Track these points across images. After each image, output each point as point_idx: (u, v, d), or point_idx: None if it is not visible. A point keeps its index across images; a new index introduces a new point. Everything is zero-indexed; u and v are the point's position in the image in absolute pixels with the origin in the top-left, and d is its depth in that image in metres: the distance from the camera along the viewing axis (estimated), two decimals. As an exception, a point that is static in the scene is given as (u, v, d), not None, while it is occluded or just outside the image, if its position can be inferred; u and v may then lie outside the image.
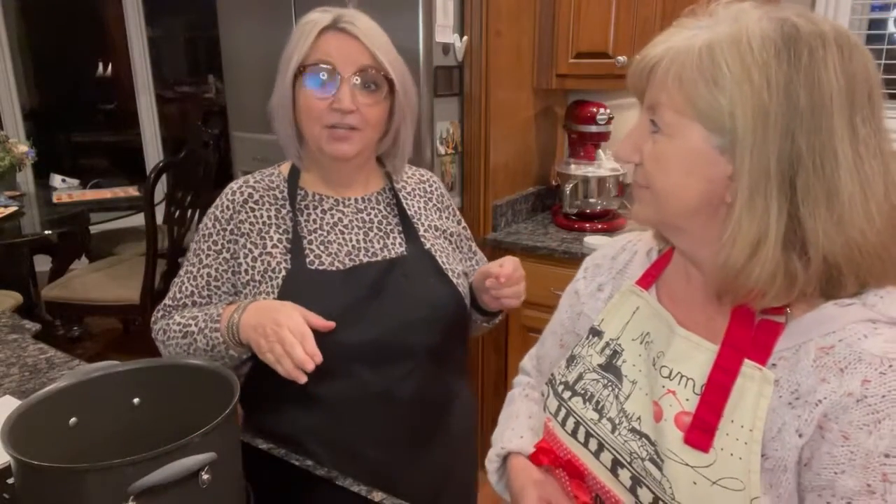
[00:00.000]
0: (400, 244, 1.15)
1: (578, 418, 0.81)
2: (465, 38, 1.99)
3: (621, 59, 2.05)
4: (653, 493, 0.70)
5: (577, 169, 2.25)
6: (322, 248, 1.10)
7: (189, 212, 2.90)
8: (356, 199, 1.17)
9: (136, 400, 0.85)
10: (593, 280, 0.93)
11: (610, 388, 0.79)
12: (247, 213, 1.11)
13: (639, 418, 0.75)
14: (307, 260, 1.08)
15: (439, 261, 1.15)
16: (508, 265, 1.06)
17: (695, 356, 0.72)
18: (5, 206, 2.91)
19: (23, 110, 4.38)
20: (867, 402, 0.61)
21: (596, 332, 0.86)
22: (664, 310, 0.79)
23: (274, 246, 1.09)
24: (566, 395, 0.84)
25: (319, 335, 0.97)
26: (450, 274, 1.14)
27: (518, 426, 0.95)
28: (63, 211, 3.02)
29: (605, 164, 2.24)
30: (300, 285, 1.05)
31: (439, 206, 1.25)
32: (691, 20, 0.69)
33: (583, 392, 0.82)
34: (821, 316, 0.67)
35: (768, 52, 0.62)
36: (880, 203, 0.63)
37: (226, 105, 2.40)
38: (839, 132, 0.62)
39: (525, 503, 0.84)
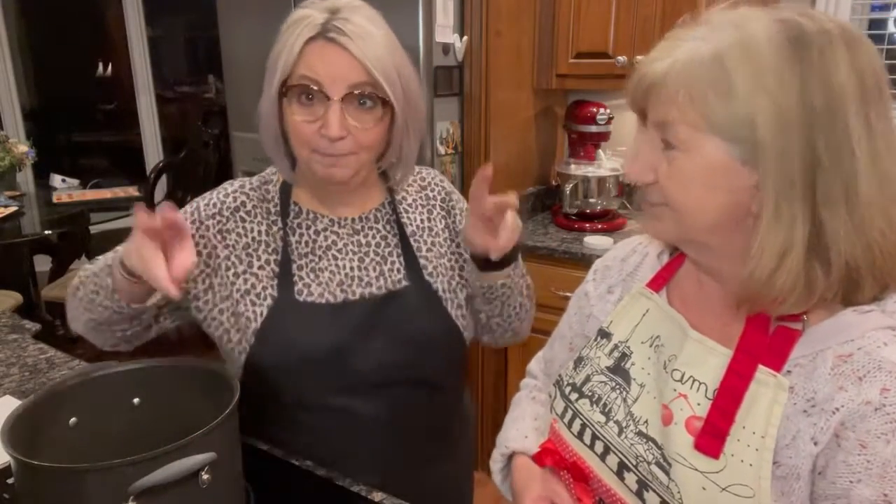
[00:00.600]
0: (398, 270, 1.06)
1: (585, 420, 0.80)
2: (465, 38, 1.99)
3: (621, 59, 2.05)
4: (660, 497, 0.70)
5: (577, 169, 2.25)
6: (312, 275, 1.02)
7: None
8: (353, 220, 1.07)
9: (136, 400, 0.85)
10: (603, 282, 0.93)
11: (618, 391, 0.79)
12: (236, 222, 1.03)
13: (646, 422, 0.74)
14: (295, 289, 1.00)
15: (439, 291, 1.06)
16: (495, 199, 0.94)
17: (708, 360, 0.72)
18: (5, 206, 2.91)
19: (23, 110, 4.38)
20: (886, 411, 0.60)
21: (604, 334, 0.85)
22: (676, 313, 0.78)
23: (261, 267, 1.01)
24: (573, 396, 0.83)
25: (299, 373, 0.96)
26: (449, 306, 1.06)
27: (523, 427, 0.95)
28: (63, 211, 3.02)
29: (605, 164, 2.24)
30: (286, 318, 0.98)
31: (444, 212, 1.14)
32: (686, 31, 0.67)
33: (590, 394, 0.81)
34: (839, 323, 0.66)
35: (779, 56, 0.61)
36: None
37: (226, 105, 2.40)
38: (855, 130, 0.61)
39: (525, 501, 0.84)
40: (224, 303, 1.00)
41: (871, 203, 0.62)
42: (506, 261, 1.01)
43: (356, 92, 0.92)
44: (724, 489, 0.65)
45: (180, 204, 2.95)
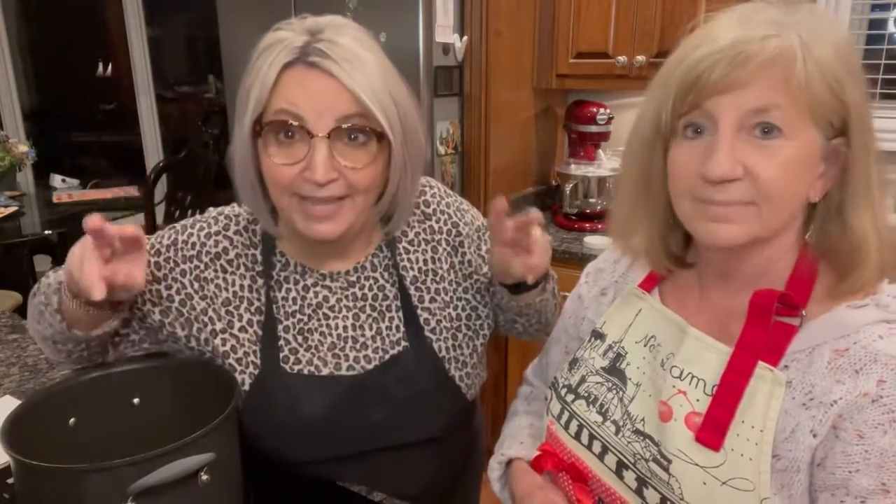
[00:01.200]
0: (397, 328, 0.95)
1: (582, 421, 0.81)
2: (465, 38, 1.98)
3: (621, 59, 2.05)
4: (660, 493, 0.70)
5: (577, 169, 2.25)
6: (300, 339, 0.91)
7: (189, 212, 2.90)
8: (346, 272, 0.94)
9: (135, 400, 0.85)
10: (595, 284, 0.93)
11: (614, 392, 0.79)
12: (216, 271, 0.91)
13: (643, 420, 0.75)
14: (281, 356, 0.89)
15: (441, 351, 0.95)
16: (517, 221, 0.82)
17: (707, 357, 0.72)
18: (5, 206, 2.91)
19: (23, 110, 4.37)
20: (882, 402, 0.61)
21: (598, 335, 0.86)
22: (672, 312, 0.79)
23: (242, 329, 0.90)
24: (569, 398, 0.83)
25: (287, 444, 0.88)
26: (451, 367, 0.95)
27: (518, 434, 0.94)
28: (63, 211, 3.02)
29: (605, 164, 2.23)
30: (270, 391, 0.88)
31: (451, 248, 1.00)
32: (776, 11, 0.67)
33: (586, 395, 0.82)
34: (835, 318, 0.67)
35: (851, 46, 0.66)
36: None
37: (226, 105, 2.40)
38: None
39: None
40: (206, 356, 0.92)
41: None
42: (542, 279, 0.93)
43: (345, 126, 0.79)
44: (724, 483, 0.66)
45: (180, 204, 2.96)
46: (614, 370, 0.81)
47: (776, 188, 0.66)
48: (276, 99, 0.79)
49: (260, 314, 0.91)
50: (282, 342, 0.90)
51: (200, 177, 2.91)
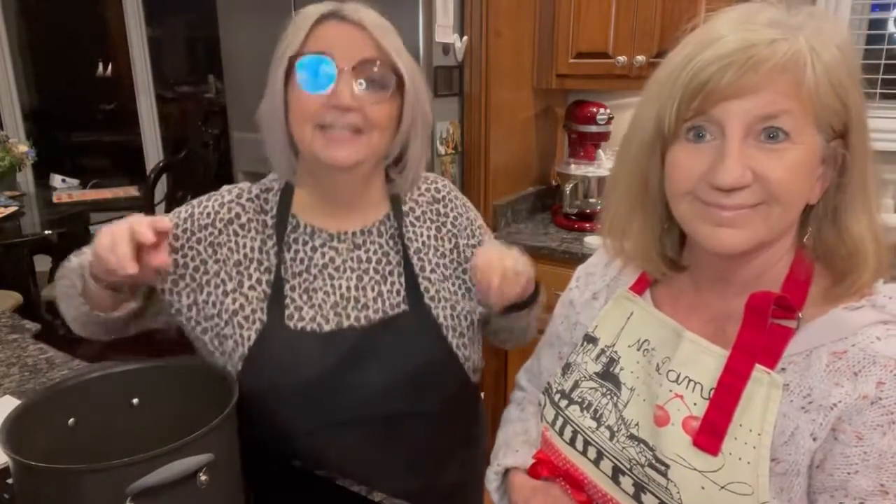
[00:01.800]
0: (398, 292, 0.99)
1: (576, 427, 0.80)
2: (465, 38, 1.98)
3: (621, 59, 2.05)
4: (658, 498, 0.70)
5: (577, 169, 2.25)
6: (305, 297, 0.95)
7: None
8: (353, 234, 1.00)
9: (134, 400, 0.85)
10: (587, 289, 0.92)
11: (608, 397, 0.79)
12: (228, 235, 0.97)
13: (637, 424, 0.74)
14: (286, 313, 0.94)
15: (440, 318, 0.99)
16: (484, 275, 0.88)
17: (703, 360, 0.72)
18: (5, 206, 2.91)
19: (23, 110, 4.38)
20: (882, 404, 0.61)
21: (590, 339, 0.85)
22: (665, 316, 0.78)
23: (251, 287, 0.95)
24: (563, 403, 0.83)
25: (289, 401, 0.91)
26: (450, 334, 0.98)
27: (513, 442, 0.93)
28: (63, 211, 3.02)
29: (605, 164, 2.23)
30: (274, 346, 0.92)
31: (455, 230, 1.06)
32: (783, 15, 0.66)
33: (580, 400, 0.81)
34: (832, 320, 0.67)
35: (851, 49, 0.66)
36: None
37: (226, 105, 2.40)
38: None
39: None
40: (208, 322, 0.95)
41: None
42: (530, 300, 0.99)
43: (368, 66, 0.89)
44: (722, 487, 0.65)
45: (180, 204, 2.95)
46: (608, 375, 0.80)
47: (786, 190, 0.65)
48: (309, 43, 0.90)
49: (269, 273, 0.96)
50: (287, 300, 0.95)
51: (200, 177, 2.92)
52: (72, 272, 0.93)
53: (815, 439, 0.64)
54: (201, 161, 2.98)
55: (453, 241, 1.06)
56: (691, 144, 0.68)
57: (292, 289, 0.96)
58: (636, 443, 0.73)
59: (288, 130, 0.94)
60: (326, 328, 0.95)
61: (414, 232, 1.03)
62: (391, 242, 1.02)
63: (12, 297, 2.60)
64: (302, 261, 0.98)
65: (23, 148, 3.17)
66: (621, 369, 0.80)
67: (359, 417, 0.94)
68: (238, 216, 0.99)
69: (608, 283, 0.89)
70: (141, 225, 0.80)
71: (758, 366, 0.67)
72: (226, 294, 0.95)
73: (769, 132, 0.64)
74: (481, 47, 1.99)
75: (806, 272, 0.71)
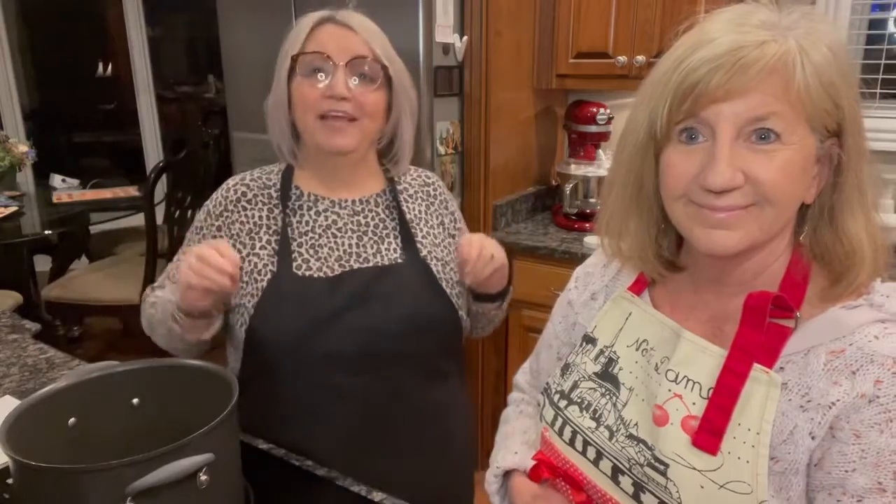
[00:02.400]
0: (395, 250, 1.11)
1: (575, 427, 0.80)
2: (465, 38, 1.98)
3: (621, 59, 2.05)
4: (657, 498, 0.70)
5: (577, 169, 2.25)
6: (311, 251, 1.07)
7: (189, 212, 2.90)
8: (353, 202, 1.13)
9: (135, 400, 0.85)
10: (585, 289, 0.92)
11: (607, 397, 0.79)
12: (239, 212, 1.09)
13: (636, 424, 0.74)
14: (294, 265, 1.05)
15: (434, 270, 1.11)
16: (465, 247, 1.02)
17: (702, 360, 0.72)
18: (5, 206, 2.91)
19: (23, 110, 4.38)
20: (879, 402, 0.62)
21: (589, 340, 0.85)
22: (664, 316, 0.78)
23: (262, 247, 1.07)
24: (562, 403, 0.83)
25: (296, 344, 1.00)
26: (444, 284, 1.10)
27: (512, 444, 0.93)
28: (63, 211, 3.02)
29: (605, 164, 2.23)
30: (283, 291, 1.02)
31: (441, 210, 1.21)
32: (773, 16, 0.66)
33: (579, 400, 0.81)
34: (829, 319, 0.67)
35: (844, 49, 0.66)
36: None
37: (226, 105, 2.40)
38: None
39: None
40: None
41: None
42: (502, 294, 1.16)
43: (359, 62, 1.03)
44: (721, 486, 0.65)
45: (180, 204, 2.95)
46: (607, 375, 0.80)
47: (778, 191, 0.65)
48: (309, 44, 1.04)
49: (277, 234, 1.08)
50: (295, 254, 1.07)
51: (200, 177, 2.91)
52: (164, 314, 1.04)
53: (813, 438, 0.64)
54: (201, 161, 2.97)
55: (440, 218, 1.20)
56: (684, 146, 0.69)
57: (299, 245, 1.08)
58: (635, 442, 0.73)
59: (290, 119, 1.08)
60: (332, 275, 1.06)
61: (408, 206, 1.16)
62: (387, 212, 1.15)
63: (12, 297, 2.59)
64: (307, 223, 1.10)
65: (23, 148, 3.16)
66: (620, 369, 0.80)
67: (362, 363, 1.03)
68: (244, 194, 1.11)
69: (607, 284, 0.90)
70: (214, 258, 0.92)
71: (756, 365, 0.67)
72: (241, 260, 1.04)
73: (760, 133, 0.64)
74: (481, 47, 1.99)
75: (803, 271, 0.71)
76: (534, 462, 0.85)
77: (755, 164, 0.65)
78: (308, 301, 1.02)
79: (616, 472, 0.75)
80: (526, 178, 2.39)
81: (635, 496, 0.73)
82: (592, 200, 2.24)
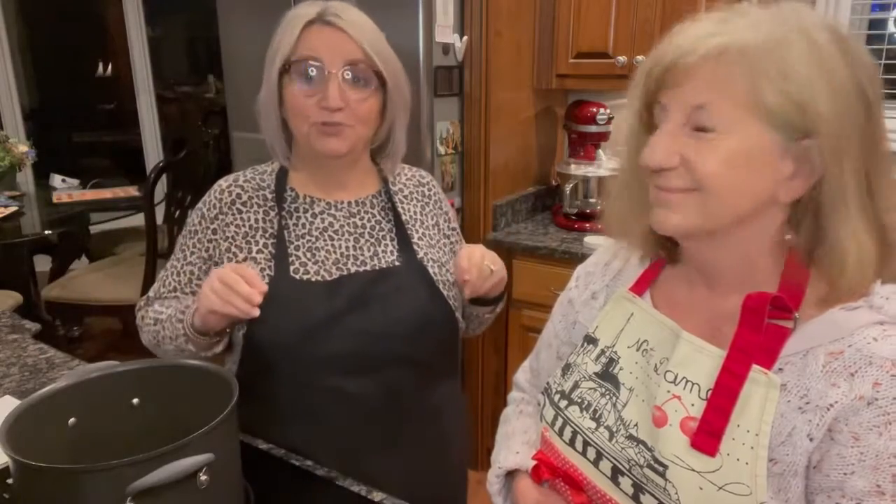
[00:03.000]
0: (392, 252, 1.10)
1: (575, 427, 0.80)
2: (465, 38, 1.99)
3: (621, 59, 2.05)
4: (657, 499, 0.70)
5: (577, 169, 2.25)
6: (308, 255, 1.06)
7: (189, 212, 2.90)
8: (349, 203, 1.12)
9: (135, 400, 0.85)
10: (586, 288, 0.92)
11: (607, 397, 0.79)
12: (233, 215, 1.08)
13: (636, 425, 0.74)
14: (291, 268, 1.04)
15: (431, 272, 1.10)
16: (463, 261, 1.02)
17: (700, 361, 0.72)
18: (5, 206, 2.90)
19: (23, 110, 4.37)
20: (878, 405, 0.61)
21: (591, 340, 0.85)
22: (664, 317, 0.78)
23: (259, 251, 1.06)
24: (562, 403, 0.83)
25: (294, 348, 1.00)
26: (441, 286, 1.09)
27: (513, 444, 0.93)
28: (63, 211, 3.02)
29: (605, 164, 2.24)
30: (281, 295, 1.01)
31: (436, 210, 1.20)
32: (728, 15, 0.67)
33: (579, 401, 0.81)
34: (828, 321, 0.66)
35: (834, 47, 0.63)
36: None
37: (226, 105, 2.40)
38: (882, 121, 0.66)
39: None
40: None
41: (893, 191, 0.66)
42: (497, 299, 1.17)
43: (352, 67, 1.00)
44: (720, 488, 0.65)
45: (180, 204, 2.95)
46: (607, 375, 0.80)
47: (717, 181, 0.66)
48: (299, 47, 1.01)
49: (273, 238, 1.07)
50: (292, 258, 1.06)
51: (200, 177, 2.91)
52: (176, 333, 1.03)
53: (812, 440, 0.64)
54: (201, 161, 2.97)
55: (435, 219, 1.19)
56: (657, 128, 0.72)
57: (296, 248, 1.07)
58: (635, 443, 0.73)
59: (281, 119, 1.06)
60: (329, 279, 1.05)
61: (403, 207, 1.16)
62: (383, 213, 1.14)
63: (12, 297, 2.59)
64: (304, 226, 1.09)
65: (23, 148, 3.16)
66: (620, 370, 0.80)
67: (359, 364, 1.03)
68: (239, 196, 1.09)
69: (608, 283, 0.89)
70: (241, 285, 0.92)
71: (755, 366, 0.67)
72: (238, 263, 1.03)
73: (698, 120, 0.67)
74: (481, 47, 1.99)
75: (801, 274, 0.70)
76: (534, 461, 0.85)
77: (691, 150, 0.67)
78: (306, 305, 1.01)
79: (616, 473, 0.75)
80: (526, 178, 2.39)
81: (635, 497, 0.72)
82: (592, 200, 2.24)
